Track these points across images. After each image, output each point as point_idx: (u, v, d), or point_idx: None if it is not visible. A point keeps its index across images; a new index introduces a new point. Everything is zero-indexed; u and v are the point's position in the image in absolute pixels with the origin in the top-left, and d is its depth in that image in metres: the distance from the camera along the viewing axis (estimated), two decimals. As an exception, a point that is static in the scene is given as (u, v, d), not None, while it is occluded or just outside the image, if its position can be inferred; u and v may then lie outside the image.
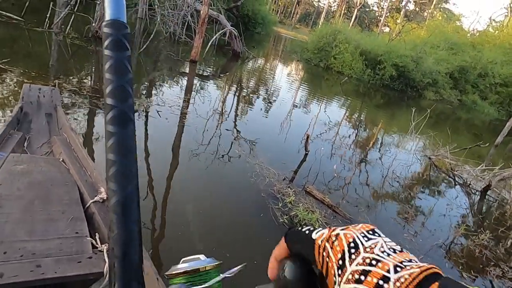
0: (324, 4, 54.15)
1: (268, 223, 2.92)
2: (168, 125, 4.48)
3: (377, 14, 54.51)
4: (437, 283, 0.23)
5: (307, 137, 4.63)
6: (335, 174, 4.39)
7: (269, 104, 7.69)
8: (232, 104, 6.76)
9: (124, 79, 0.44)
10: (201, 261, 0.65)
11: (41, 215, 1.39)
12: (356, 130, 7.73)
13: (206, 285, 0.62)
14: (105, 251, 1.29)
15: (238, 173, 3.76)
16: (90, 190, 1.62)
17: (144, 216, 2.53)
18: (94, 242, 1.36)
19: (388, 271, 0.25)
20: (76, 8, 7.63)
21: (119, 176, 0.43)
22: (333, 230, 0.32)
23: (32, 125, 2.18)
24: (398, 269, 0.25)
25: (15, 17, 7.25)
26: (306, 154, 4.69)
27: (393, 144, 7.37)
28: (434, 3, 37.74)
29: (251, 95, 8.13)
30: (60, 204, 1.47)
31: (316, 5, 64.88)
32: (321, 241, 0.31)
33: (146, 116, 4.51)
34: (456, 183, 5.68)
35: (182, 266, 0.63)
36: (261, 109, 7.10)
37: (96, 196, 1.55)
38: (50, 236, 1.31)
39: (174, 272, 0.62)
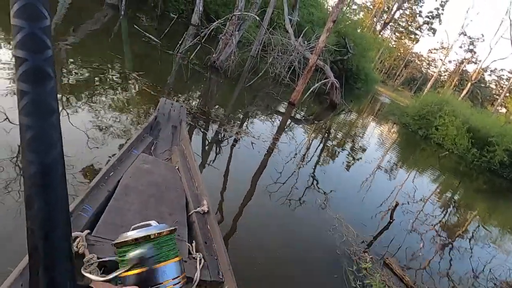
0: (434, 72, 51.77)
1: (339, 285, 2.75)
2: (257, 158, 4.69)
3: (493, 92, 49.72)
4: None
5: (396, 205, 4.34)
6: (420, 254, 3.97)
7: (353, 160, 7.46)
8: (315, 151, 6.76)
9: (37, 25, 0.36)
10: (152, 227, 0.60)
11: (154, 211, 1.58)
12: (446, 211, 6.93)
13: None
14: (198, 259, 1.39)
15: (314, 222, 3.67)
16: (195, 200, 1.79)
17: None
18: (190, 248, 1.48)
19: None
20: (203, 39, 8.76)
21: (36, 142, 0.36)
22: None
23: (160, 133, 2.53)
24: None
25: (154, 39, 8.65)
26: (390, 222, 4.37)
27: (490, 238, 6.36)
28: None
29: (336, 146, 8.04)
30: (169, 207, 1.65)
31: (424, 72, 62.37)
32: None
33: (233, 144, 4.76)
34: None
35: (132, 233, 0.57)
36: (343, 163, 6.92)
37: (199, 207, 1.71)
38: None
39: (123, 240, 0.56)
